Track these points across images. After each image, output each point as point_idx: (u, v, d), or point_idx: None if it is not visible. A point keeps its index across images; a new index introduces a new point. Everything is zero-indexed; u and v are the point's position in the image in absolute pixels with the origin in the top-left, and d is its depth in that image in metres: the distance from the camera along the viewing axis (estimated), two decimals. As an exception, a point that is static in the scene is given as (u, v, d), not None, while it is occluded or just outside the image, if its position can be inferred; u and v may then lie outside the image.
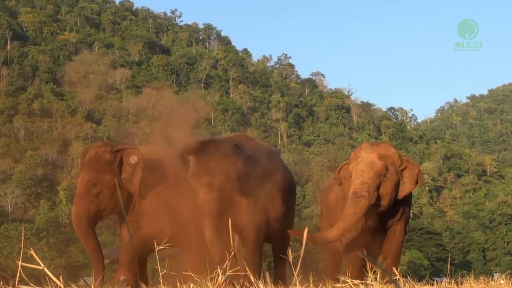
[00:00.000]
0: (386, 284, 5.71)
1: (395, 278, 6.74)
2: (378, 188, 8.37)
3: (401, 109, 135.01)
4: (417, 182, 8.73)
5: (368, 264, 7.65)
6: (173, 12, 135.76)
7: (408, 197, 9.01)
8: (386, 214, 8.75)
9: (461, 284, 5.98)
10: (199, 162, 8.31)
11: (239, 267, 5.02)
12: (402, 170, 8.62)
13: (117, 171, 9.25)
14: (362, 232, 8.86)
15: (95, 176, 9.12)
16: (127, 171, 9.29)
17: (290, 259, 4.37)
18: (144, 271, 9.74)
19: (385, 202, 8.43)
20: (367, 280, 5.31)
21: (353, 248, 8.87)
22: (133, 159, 9.32)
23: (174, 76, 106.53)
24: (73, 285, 5.58)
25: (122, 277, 8.99)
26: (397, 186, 8.54)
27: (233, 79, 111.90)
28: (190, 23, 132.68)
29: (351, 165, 8.67)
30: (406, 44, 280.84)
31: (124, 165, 9.31)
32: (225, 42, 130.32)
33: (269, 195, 9.08)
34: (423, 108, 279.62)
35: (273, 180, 9.36)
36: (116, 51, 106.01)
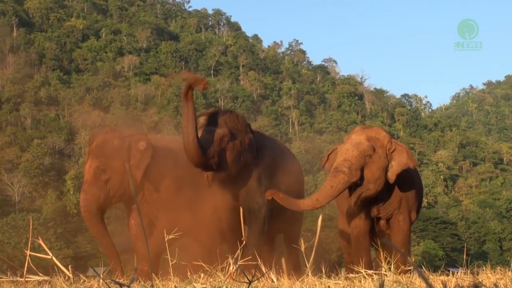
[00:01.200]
0: (401, 275, 5.71)
1: (410, 268, 6.74)
2: (362, 169, 8.36)
3: (416, 96, 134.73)
4: (407, 163, 8.64)
5: (381, 253, 7.65)
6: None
7: (409, 184, 8.97)
8: (382, 200, 8.75)
9: (477, 275, 5.96)
10: (208, 119, 8.37)
11: (250, 257, 5.04)
12: (392, 152, 8.61)
13: (126, 157, 9.26)
14: (366, 221, 8.87)
15: (104, 162, 9.12)
16: (136, 157, 9.29)
17: (303, 249, 4.38)
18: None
19: (371, 186, 8.40)
20: (381, 270, 5.31)
21: (358, 239, 8.88)
22: (142, 145, 9.32)
23: (183, 63, 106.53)
24: (81, 275, 5.61)
25: (145, 268, 8.96)
26: (385, 170, 8.50)
27: (243, 66, 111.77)
28: (199, 8, 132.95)
29: (339, 146, 8.71)
30: (420, 29, 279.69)
31: (133, 151, 9.31)
32: (235, 28, 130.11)
33: (279, 183, 9.08)
34: (438, 95, 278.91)
35: (284, 170, 9.37)
36: (124, 37, 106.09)
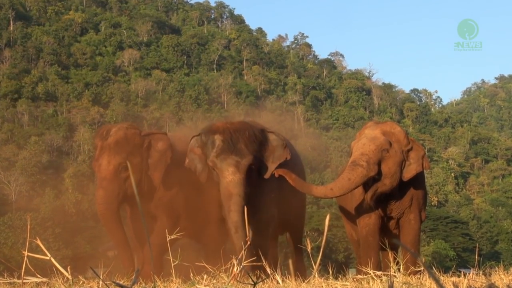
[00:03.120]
0: (410, 276, 5.70)
1: (420, 269, 6.73)
2: (379, 164, 8.38)
3: (425, 90, 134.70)
4: (423, 165, 8.75)
5: (390, 254, 7.65)
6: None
7: (420, 182, 9.01)
8: (394, 198, 8.77)
9: (490, 276, 5.96)
10: (226, 142, 8.23)
11: (255, 257, 5.04)
12: (409, 150, 8.65)
13: (145, 156, 9.28)
14: (376, 220, 8.88)
15: (126, 159, 9.10)
16: (154, 157, 9.30)
17: (309, 249, 4.38)
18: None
19: (387, 181, 8.43)
20: (390, 271, 5.31)
21: (367, 238, 8.89)
22: (162, 146, 9.34)
23: (185, 57, 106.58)
24: (80, 277, 5.62)
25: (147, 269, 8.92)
26: (401, 165, 8.55)
27: (246, 60, 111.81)
28: (201, 1, 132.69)
29: (353, 142, 8.73)
30: (430, 22, 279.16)
31: (152, 150, 9.33)
32: (238, 21, 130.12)
33: (283, 183, 9.08)
34: (448, 89, 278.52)
35: (287, 167, 9.35)
36: (124, 31, 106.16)
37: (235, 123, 8.55)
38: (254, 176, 8.36)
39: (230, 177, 8.04)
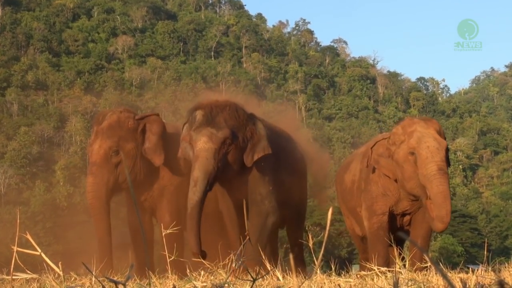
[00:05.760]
0: (416, 272, 5.71)
1: (426, 265, 6.74)
2: None
3: (432, 79, 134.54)
4: None
5: (395, 250, 7.67)
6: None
7: None
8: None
9: (499, 272, 5.96)
10: (206, 116, 8.30)
11: (253, 253, 5.04)
12: (446, 148, 8.77)
13: (140, 140, 9.24)
14: (388, 217, 8.91)
15: (117, 143, 9.05)
16: (151, 140, 9.26)
17: (311, 244, 4.38)
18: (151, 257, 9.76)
19: None
20: (394, 267, 5.31)
21: (378, 233, 8.90)
22: (157, 127, 9.31)
23: (181, 44, 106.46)
24: (72, 273, 5.63)
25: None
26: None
27: (246, 47, 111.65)
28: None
29: (411, 140, 8.56)
30: (437, 8, 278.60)
31: (148, 134, 9.29)
32: (237, 6, 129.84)
33: (282, 176, 9.08)
34: (456, 78, 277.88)
35: (287, 160, 9.36)
36: (118, 17, 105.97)
37: (220, 100, 8.64)
38: (238, 157, 8.36)
39: (202, 145, 8.07)
